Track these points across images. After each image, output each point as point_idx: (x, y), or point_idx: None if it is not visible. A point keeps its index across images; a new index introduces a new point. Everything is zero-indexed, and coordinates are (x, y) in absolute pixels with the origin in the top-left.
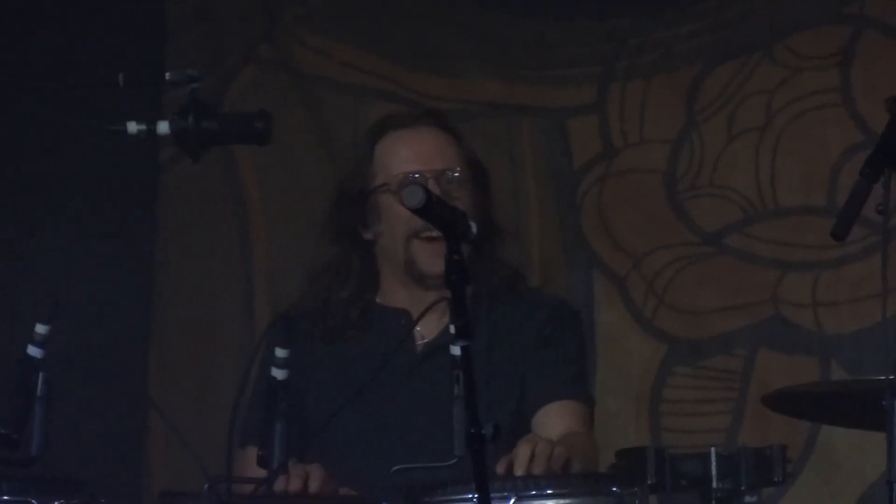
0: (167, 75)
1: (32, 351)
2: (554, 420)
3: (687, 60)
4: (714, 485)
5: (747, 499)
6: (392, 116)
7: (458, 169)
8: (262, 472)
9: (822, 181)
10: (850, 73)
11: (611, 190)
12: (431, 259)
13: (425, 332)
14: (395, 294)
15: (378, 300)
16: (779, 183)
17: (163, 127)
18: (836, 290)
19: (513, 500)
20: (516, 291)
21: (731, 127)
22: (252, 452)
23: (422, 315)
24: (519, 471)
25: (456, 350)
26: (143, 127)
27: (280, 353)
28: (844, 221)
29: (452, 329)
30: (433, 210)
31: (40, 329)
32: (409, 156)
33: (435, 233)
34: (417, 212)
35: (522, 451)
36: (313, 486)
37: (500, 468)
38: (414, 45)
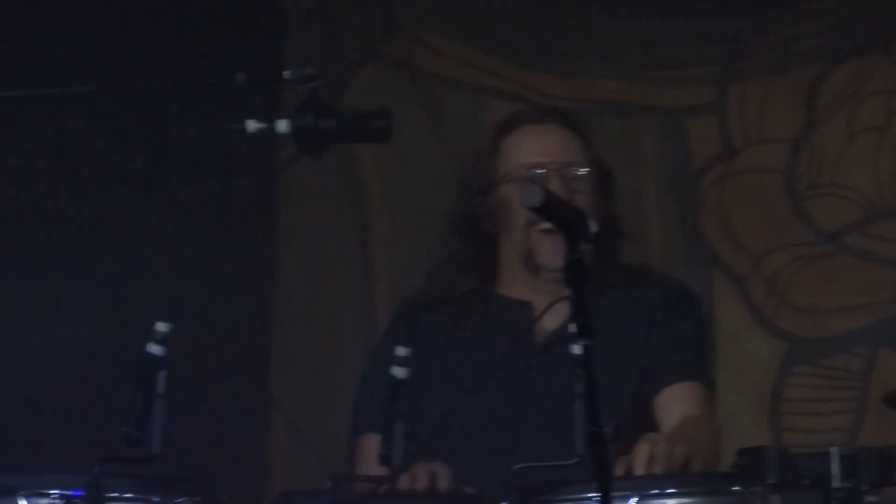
0: (286, 74)
1: (153, 349)
2: (673, 404)
3: (806, 60)
4: (835, 484)
5: (869, 499)
6: (520, 113)
7: (582, 166)
8: (375, 464)
9: None
10: None
11: (731, 190)
12: (549, 252)
13: (546, 324)
14: (515, 286)
15: (500, 291)
16: None
17: (282, 125)
18: None
19: (635, 500)
20: (632, 280)
21: (850, 126)
22: (367, 440)
23: (546, 309)
24: (639, 471)
25: (577, 349)
26: (263, 125)
27: (401, 351)
28: None
29: (573, 328)
30: (552, 209)
31: (161, 327)
32: (535, 148)
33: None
34: (536, 211)
35: (642, 451)
36: (443, 484)
37: (619, 470)
38: (533, 44)
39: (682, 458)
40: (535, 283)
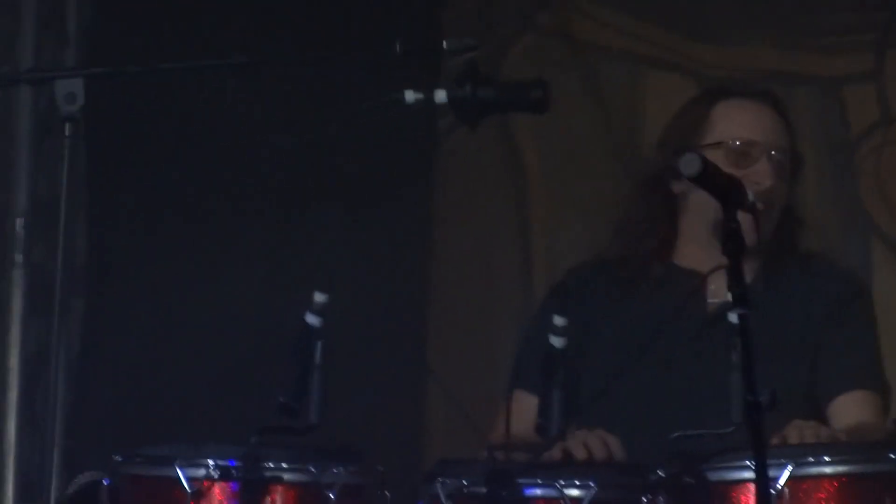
0: (445, 44)
1: (311, 319)
2: (848, 411)
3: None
4: None
5: None
6: (735, 83)
7: (786, 152)
8: (525, 422)
9: None
10: None
11: (889, 158)
12: (744, 228)
13: (717, 293)
14: (690, 254)
15: (674, 260)
16: None
17: (440, 95)
18: None
19: (790, 468)
20: (810, 267)
21: None
22: (519, 398)
23: (709, 274)
24: (792, 441)
25: (734, 318)
26: (421, 95)
27: (558, 321)
28: None
29: (730, 296)
30: (710, 178)
31: (319, 298)
32: (749, 124)
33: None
34: (694, 180)
35: (793, 429)
36: (614, 452)
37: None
38: (689, 13)
39: (829, 436)
40: (715, 252)
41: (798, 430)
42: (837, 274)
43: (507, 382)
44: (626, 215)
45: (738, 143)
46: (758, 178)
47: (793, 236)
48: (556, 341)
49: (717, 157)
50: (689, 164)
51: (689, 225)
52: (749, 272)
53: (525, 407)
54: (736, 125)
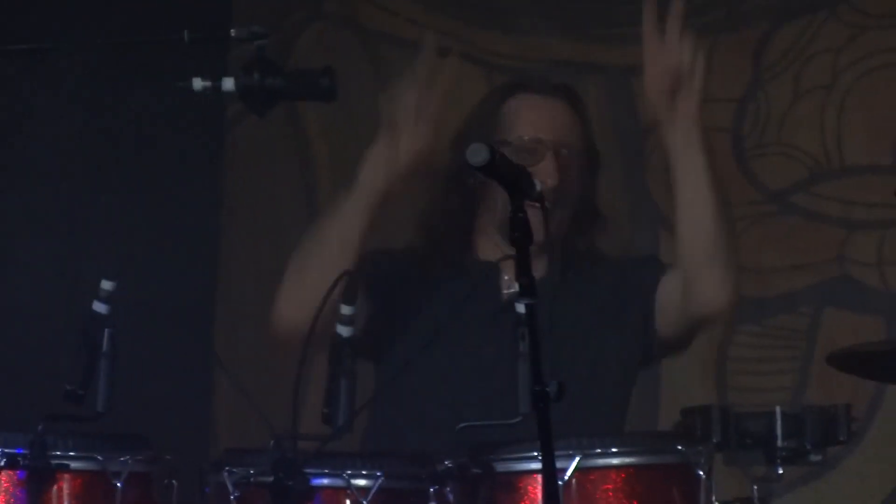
0: (233, 32)
1: (98, 307)
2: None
3: (752, 19)
4: (779, 444)
5: (812, 458)
6: (527, 79)
7: (575, 148)
8: None
9: (888, 140)
10: None
11: None
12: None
13: (511, 283)
14: (487, 247)
15: (475, 252)
16: (844, 142)
17: (228, 83)
18: None
19: (577, 459)
20: (598, 259)
21: (797, 86)
22: None
23: (500, 260)
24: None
25: (521, 307)
26: (209, 83)
27: (345, 310)
28: None
29: (516, 287)
30: (497, 168)
31: (106, 285)
32: (537, 121)
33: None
34: (481, 169)
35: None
36: None
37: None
38: (479, 3)
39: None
40: (507, 245)
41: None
42: (624, 260)
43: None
44: (426, 209)
45: (524, 139)
46: (544, 175)
47: (590, 231)
48: (343, 330)
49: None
50: (476, 154)
51: (484, 219)
52: (542, 265)
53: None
54: (524, 122)
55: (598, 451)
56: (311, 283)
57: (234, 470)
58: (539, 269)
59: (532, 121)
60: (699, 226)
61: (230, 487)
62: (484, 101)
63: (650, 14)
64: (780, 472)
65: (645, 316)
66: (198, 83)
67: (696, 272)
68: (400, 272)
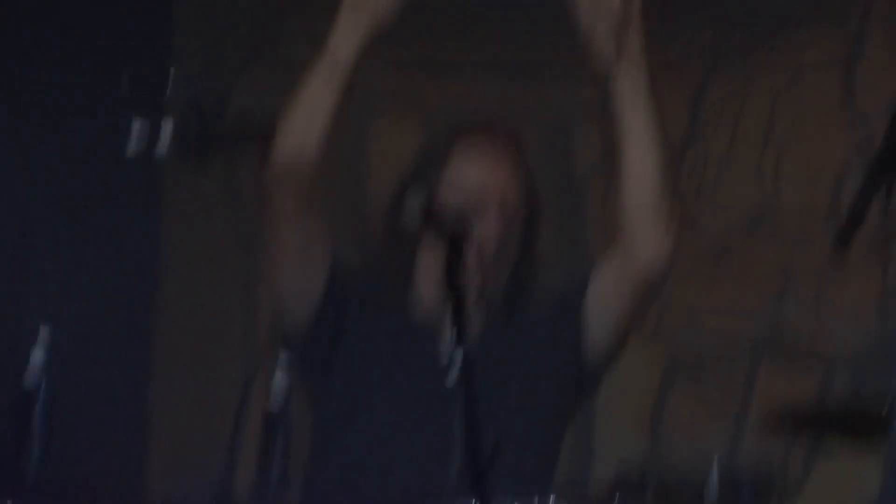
0: (172, 73)
1: (36, 356)
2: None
3: (689, 61)
4: (714, 501)
5: None
6: (475, 125)
7: (521, 202)
8: None
9: (827, 183)
10: (854, 73)
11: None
12: (470, 269)
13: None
14: (429, 289)
15: (413, 299)
16: (783, 185)
17: (167, 126)
18: (840, 293)
19: None
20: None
21: (735, 128)
22: None
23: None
24: None
25: (457, 355)
26: (147, 126)
27: (283, 358)
28: (849, 225)
29: (452, 335)
30: (435, 217)
31: (38, 352)
32: (482, 169)
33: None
34: (419, 217)
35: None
36: None
37: None
38: (416, 50)
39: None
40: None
41: None
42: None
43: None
44: (367, 255)
45: (469, 187)
46: (487, 224)
47: (530, 280)
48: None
49: (448, 202)
50: (415, 198)
51: (425, 265)
52: (479, 315)
53: None
54: (469, 168)
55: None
56: (287, 151)
57: None
58: (477, 316)
59: (477, 167)
60: (645, 177)
61: None
62: (428, 146)
63: None
64: None
65: (574, 334)
66: (136, 126)
67: (640, 228)
68: (352, 300)
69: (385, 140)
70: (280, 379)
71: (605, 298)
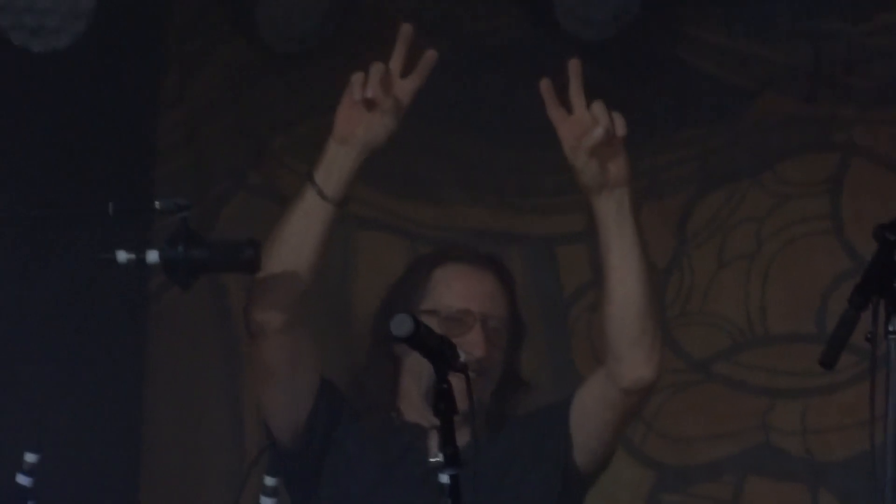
0: (157, 204)
1: (21, 479)
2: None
3: (675, 188)
4: None
5: None
6: (457, 249)
7: (503, 320)
8: None
9: (812, 308)
10: (839, 201)
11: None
12: (456, 389)
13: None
14: (412, 408)
15: (395, 414)
16: (768, 310)
17: (152, 256)
18: (825, 417)
19: None
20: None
21: (721, 254)
22: None
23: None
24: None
25: (444, 478)
26: (133, 256)
27: (269, 481)
28: (833, 349)
29: (441, 457)
30: (421, 339)
31: (29, 458)
32: (465, 292)
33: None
34: (405, 341)
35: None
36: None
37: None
38: (402, 173)
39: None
40: (429, 414)
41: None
42: (531, 421)
43: None
44: (353, 372)
45: (452, 310)
46: (470, 347)
47: (513, 398)
48: (267, 502)
49: (431, 324)
50: (400, 326)
51: (407, 385)
52: (464, 433)
53: None
54: (451, 292)
55: None
56: (273, 283)
57: None
58: (462, 436)
59: (460, 291)
60: (630, 299)
61: None
62: (411, 269)
63: (549, 96)
64: None
65: (560, 448)
66: (122, 255)
67: (626, 349)
68: (341, 416)
69: (372, 253)
70: (269, 480)
71: (589, 415)
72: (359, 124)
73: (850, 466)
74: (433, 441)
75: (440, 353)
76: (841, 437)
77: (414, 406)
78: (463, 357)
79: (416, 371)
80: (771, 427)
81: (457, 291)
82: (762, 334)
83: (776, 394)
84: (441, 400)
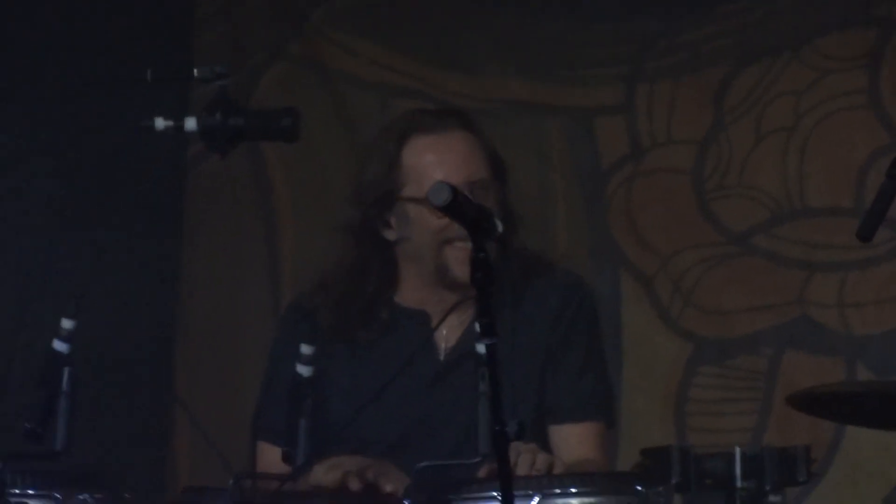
0: (195, 72)
1: (58, 346)
2: (570, 443)
3: (714, 61)
4: (738, 484)
5: (772, 498)
6: (417, 118)
7: (484, 173)
8: (273, 468)
9: (850, 182)
10: (878, 76)
11: (638, 190)
12: (465, 266)
13: (448, 335)
14: (415, 294)
15: (396, 300)
16: (806, 184)
17: (190, 123)
18: (862, 291)
19: (537, 499)
20: (533, 273)
21: (758, 128)
22: (262, 449)
23: (442, 320)
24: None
25: (481, 348)
26: (171, 123)
27: (305, 349)
28: (870, 222)
29: (478, 327)
30: (459, 208)
31: (66, 324)
32: (441, 168)
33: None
34: (443, 209)
35: (523, 461)
36: (389, 487)
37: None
38: (440, 44)
39: (545, 463)
40: (441, 291)
41: (528, 461)
42: (559, 282)
43: (252, 423)
44: (338, 261)
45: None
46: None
47: (513, 236)
48: (304, 370)
49: (419, 209)
50: (438, 194)
51: (410, 269)
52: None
53: (269, 459)
54: (428, 173)
55: (558, 490)
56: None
57: None
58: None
59: (435, 167)
60: None
61: None
62: (377, 148)
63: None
64: None
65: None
66: (160, 123)
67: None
68: (321, 334)
69: None
70: (305, 348)
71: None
72: None
73: (886, 340)
74: (444, 330)
75: (477, 221)
76: (878, 310)
77: (416, 290)
78: (500, 226)
79: (414, 252)
80: (808, 300)
81: (434, 169)
82: (800, 207)
83: (814, 267)
84: (478, 269)
